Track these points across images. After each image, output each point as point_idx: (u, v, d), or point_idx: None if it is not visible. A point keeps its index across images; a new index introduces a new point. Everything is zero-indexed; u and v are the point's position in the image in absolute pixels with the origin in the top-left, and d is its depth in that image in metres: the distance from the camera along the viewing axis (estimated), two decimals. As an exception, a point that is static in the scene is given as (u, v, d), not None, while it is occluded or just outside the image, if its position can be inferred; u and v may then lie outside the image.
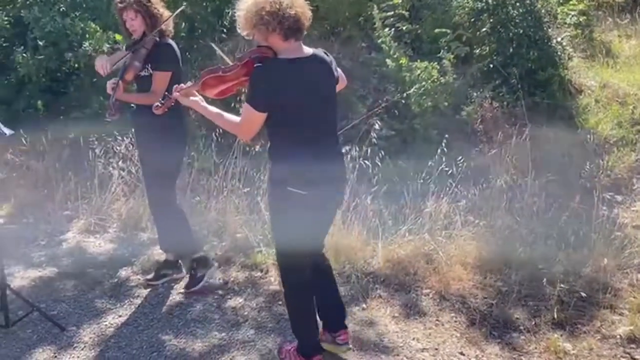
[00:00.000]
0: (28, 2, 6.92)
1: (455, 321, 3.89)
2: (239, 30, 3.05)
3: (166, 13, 3.95)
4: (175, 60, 3.95)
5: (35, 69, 6.20)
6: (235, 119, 3.10)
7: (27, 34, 6.70)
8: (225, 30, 6.98)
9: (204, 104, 3.19)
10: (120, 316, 3.92)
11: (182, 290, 4.17)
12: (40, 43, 6.25)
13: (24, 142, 5.62)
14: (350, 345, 3.55)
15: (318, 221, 3.22)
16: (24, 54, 6.21)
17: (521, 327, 3.81)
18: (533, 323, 3.84)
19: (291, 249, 3.13)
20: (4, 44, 6.89)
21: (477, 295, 4.13)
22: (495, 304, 4.02)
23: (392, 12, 6.52)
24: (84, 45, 6.13)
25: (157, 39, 3.87)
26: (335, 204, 3.34)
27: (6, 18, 6.77)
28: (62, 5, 6.56)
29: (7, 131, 3.48)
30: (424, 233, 4.61)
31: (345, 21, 7.53)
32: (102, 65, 3.89)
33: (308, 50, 3.04)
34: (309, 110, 3.00)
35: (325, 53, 3.13)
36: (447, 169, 5.00)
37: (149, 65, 3.88)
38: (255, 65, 2.95)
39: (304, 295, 3.33)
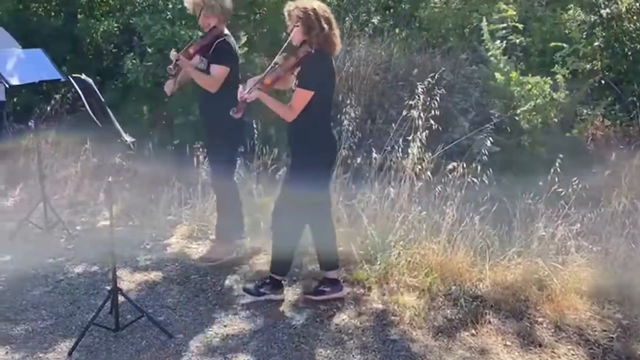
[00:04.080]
0: (137, 10, 7.14)
1: (573, 354, 3.66)
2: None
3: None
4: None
5: (143, 75, 6.35)
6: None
7: (134, 41, 6.91)
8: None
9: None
10: (225, 326, 3.91)
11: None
12: (149, 50, 6.40)
13: (131, 146, 5.75)
14: None
15: None
16: (134, 60, 6.37)
17: (646, 366, 3.56)
18: (659, 362, 3.58)
19: None
20: (113, 50, 7.14)
21: (595, 327, 3.89)
22: (616, 337, 3.78)
23: (503, 25, 6.30)
24: (190, 53, 6.23)
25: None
26: None
27: (116, 25, 7.01)
28: (169, 14, 6.72)
29: (129, 139, 3.54)
30: (535, 257, 4.39)
31: (447, 32, 7.38)
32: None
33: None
34: None
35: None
36: (559, 189, 4.75)
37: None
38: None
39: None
